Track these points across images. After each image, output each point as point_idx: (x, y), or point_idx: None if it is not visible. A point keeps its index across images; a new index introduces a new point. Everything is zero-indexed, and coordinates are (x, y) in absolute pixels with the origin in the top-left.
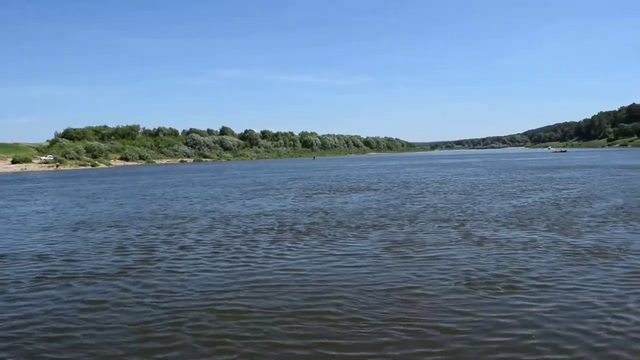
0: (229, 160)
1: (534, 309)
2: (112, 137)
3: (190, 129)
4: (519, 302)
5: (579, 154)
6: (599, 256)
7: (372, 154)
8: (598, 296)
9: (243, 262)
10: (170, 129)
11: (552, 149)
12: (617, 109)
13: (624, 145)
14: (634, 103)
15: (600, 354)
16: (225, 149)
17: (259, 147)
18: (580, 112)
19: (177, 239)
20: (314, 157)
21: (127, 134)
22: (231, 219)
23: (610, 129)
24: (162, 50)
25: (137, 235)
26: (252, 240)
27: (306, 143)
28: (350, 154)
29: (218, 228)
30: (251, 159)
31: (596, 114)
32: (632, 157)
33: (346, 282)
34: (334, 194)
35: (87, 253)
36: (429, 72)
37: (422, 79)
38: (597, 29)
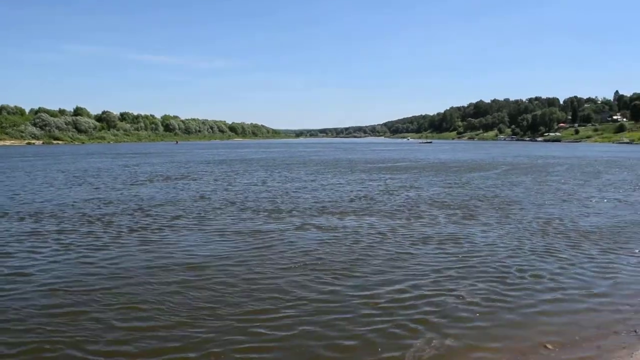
0: (83, 143)
1: (374, 293)
2: None
3: (39, 108)
4: (359, 288)
5: (442, 145)
6: (435, 242)
7: (238, 139)
8: (420, 279)
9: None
10: (16, 107)
11: (410, 139)
12: (466, 105)
13: (472, 138)
14: (481, 100)
15: (436, 333)
16: (80, 131)
17: (118, 130)
18: (433, 106)
19: None
20: (177, 142)
21: None
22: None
23: (460, 123)
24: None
25: None
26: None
27: (168, 127)
28: (215, 139)
29: None
30: (109, 142)
31: (448, 108)
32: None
33: (160, 277)
34: (158, 182)
35: None
36: (288, 57)
37: (281, 63)
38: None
